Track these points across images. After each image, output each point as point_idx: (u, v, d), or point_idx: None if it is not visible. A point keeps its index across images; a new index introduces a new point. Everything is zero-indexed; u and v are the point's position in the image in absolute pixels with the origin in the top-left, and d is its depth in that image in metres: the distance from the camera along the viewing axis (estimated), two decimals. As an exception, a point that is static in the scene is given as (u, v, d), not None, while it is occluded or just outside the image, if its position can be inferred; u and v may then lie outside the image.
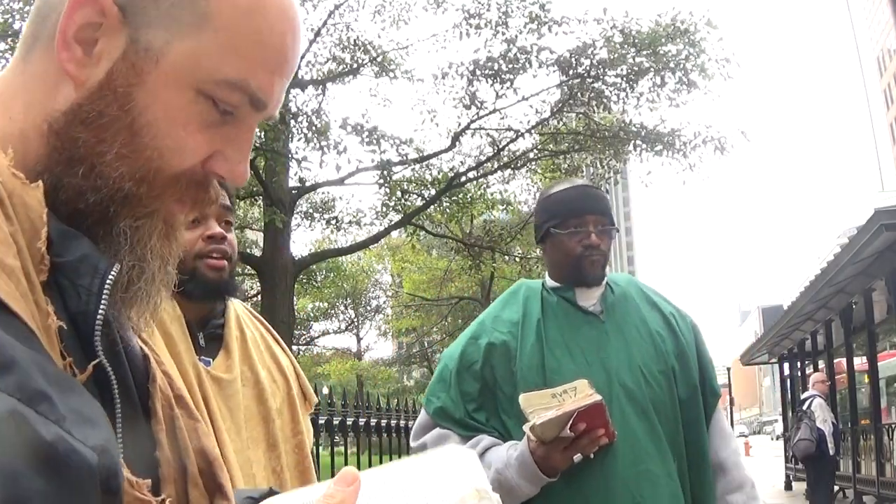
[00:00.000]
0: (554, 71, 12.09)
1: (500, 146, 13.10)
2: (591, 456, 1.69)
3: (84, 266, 0.57)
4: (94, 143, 0.60)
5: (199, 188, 0.65)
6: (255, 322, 1.73)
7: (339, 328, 28.59)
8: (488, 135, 13.30)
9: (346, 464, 0.72)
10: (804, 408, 8.96)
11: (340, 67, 12.85)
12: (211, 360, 1.54)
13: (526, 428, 1.66)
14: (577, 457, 1.68)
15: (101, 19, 0.61)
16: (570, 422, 1.62)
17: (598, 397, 1.66)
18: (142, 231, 0.62)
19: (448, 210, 13.36)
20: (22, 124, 0.61)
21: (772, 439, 50.96)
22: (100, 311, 0.57)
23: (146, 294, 0.64)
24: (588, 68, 11.73)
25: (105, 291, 0.57)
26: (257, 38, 0.63)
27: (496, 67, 11.86)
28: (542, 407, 1.67)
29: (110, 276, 0.58)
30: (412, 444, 1.92)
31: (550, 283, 1.96)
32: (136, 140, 0.61)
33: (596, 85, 11.93)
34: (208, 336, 1.58)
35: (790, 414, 13.07)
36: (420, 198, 13.00)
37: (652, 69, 11.59)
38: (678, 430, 1.81)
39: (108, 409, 0.56)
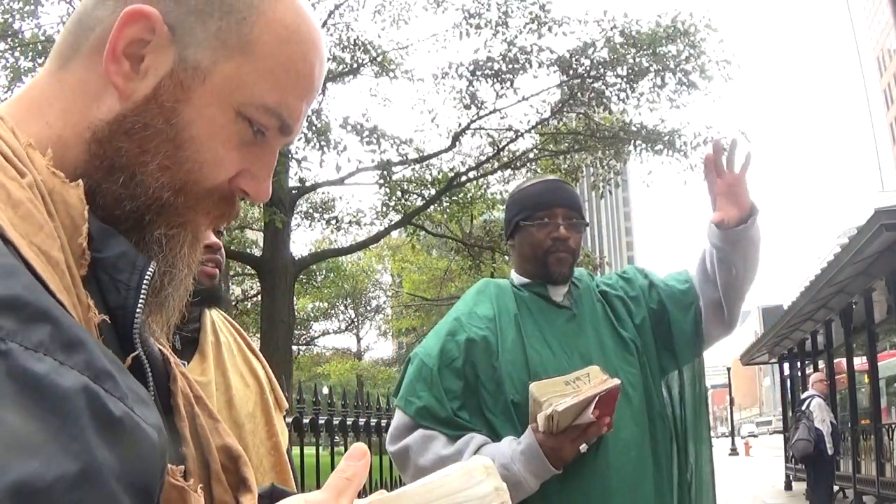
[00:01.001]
0: (554, 71, 12.11)
1: (500, 146, 13.10)
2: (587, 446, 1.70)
3: (123, 262, 0.60)
4: (137, 153, 0.63)
5: (226, 203, 0.68)
6: (229, 328, 1.75)
7: (339, 328, 28.61)
8: (488, 135, 13.31)
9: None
10: (803, 408, 8.97)
11: (340, 67, 12.85)
12: (186, 363, 1.56)
13: (541, 417, 1.63)
14: (583, 447, 1.66)
15: (151, 37, 0.63)
16: (592, 406, 1.61)
17: (616, 381, 1.66)
18: (175, 240, 0.65)
19: (448, 210, 13.36)
20: (60, 131, 0.63)
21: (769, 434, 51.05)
22: (139, 306, 0.59)
23: (172, 300, 0.67)
24: (588, 68, 11.73)
25: (144, 287, 0.60)
26: (292, 67, 0.67)
27: (496, 67, 11.87)
28: (556, 395, 1.64)
29: (148, 273, 0.60)
30: (390, 448, 1.82)
31: (519, 279, 1.94)
32: (179, 153, 0.64)
33: (596, 85, 11.93)
34: (184, 339, 1.60)
35: (790, 414, 13.07)
36: (420, 198, 13.01)
37: (652, 70, 11.60)
38: (656, 409, 1.83)
39: None
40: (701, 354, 1.96)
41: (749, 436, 45.28)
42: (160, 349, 0.71)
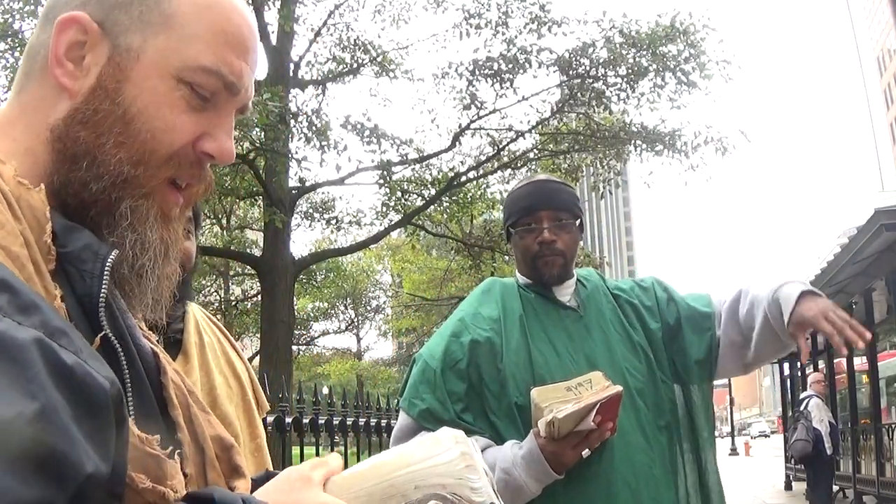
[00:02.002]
0: (554, 71, 12.10)
1: (501, 146, 13.09)
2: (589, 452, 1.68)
3: (86, 253, 0.65)
4: (93, 137, 0.69)
5: (193, 167, 0.73)
6: (212, 328, 1.74)
7: (339, 328, 28.57)
8: (488, 135, 13.30)
9: (346, 465, 0.75)
10: (801, 408, 8.96)
11: (340, 67, 12.85)
12: None
13: (542, 423, 1.62)
14: (585, 452, 1.65)
15: (85, 37, 0.71)
16: (593, 413, 1.60)
17: (618, 388, 1.64)
18: (140, 210, 0.70)
19: (448, 210, 13.35)
20: (27, 143, 0.70)
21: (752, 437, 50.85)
22: (102, 290, 0.65)
23: (151, 271, 0.71)
24: (588, 68, 11.73)
25: (105, 273, 0.65)
26: (218, 28, 0.73)
27: (496, 67, 11.86)
28: (557, 401, 1.63)
29: (110, 259, 0.66)
30: None
31: (522, 279, 1.93)
32: (130, 127, 0.69)
33: (596, 85, 11.93)
34: (167, 340, 1.59)
35: (790, 414, 13.07)
36: (420, 198, 13.00)
37: (652, 70, 11.60)
38: (664, 414, 1.82)
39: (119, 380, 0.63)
40: (710, 380, 1.93)
41: (760, 435, 44.91)
42: (151, 347, 0.76)
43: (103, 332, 0.64)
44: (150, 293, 0.72)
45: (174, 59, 0.71)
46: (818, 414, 8.75)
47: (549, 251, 1.84)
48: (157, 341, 0.83)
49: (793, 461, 12.08)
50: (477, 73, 12.02)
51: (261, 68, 11.16)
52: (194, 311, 1.69)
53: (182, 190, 0.74)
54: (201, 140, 0.73)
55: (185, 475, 0.69)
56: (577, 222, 1.90)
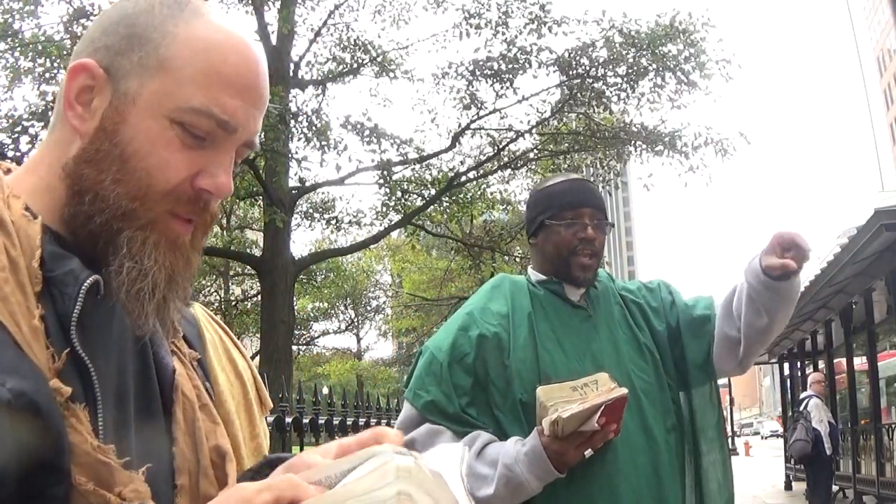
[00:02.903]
0: (554, 71, 12.09)
1: (501, 146, 13.09)
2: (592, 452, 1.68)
3: (69, 277, 0.72)
4: (95, 174, 0.75)
5: (192, 203, 0.78)
6: (214, 326, 1.75)
7: (339, 328, 28.57)
8: (488, 135, 13.30)
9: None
10: (801, 408, 8.96)
11: (340, 67, 12.85)
12: None
13: (546, 422, 1.61)
14: (588, 452, 1.65)
15: (93, 82, 0.77)
16: (598, 415, 1.59)
17: (623, 391, 1.64)
18: (138, 240, 0.76)
19: (448, 210, 13.34)
20: (48, 179, 0.78)
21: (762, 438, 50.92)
22: (76, 310, 0.71)
23: (151, 296, 0.76)
24: (588, 68, 11.73)
25: (80, 295, 0.71)
26: (212, 70, 0.77)
27: (496, 67, 11.86)
28: (562, 400, 1.63)
29: (86, 284, 0.72)
30: None
31: (536, 276, 1.93)
32: (127, 165, 0.75)
33: (596, 85, 11.92)
34: None
35: (790, 414, 13.07)
36: (420, 198, 12.99)
37: (652, 69, 11.59)
38: (669, 415, 1.82)
39: (89, 394, 0.70)
40: (711, 382, 1.92)
41: (772, 435, 44.93)
42: (174, 365, 0.84)
43: (69, 349, 0.70)
44: (153, 314, 0.76)
45: (167, 102, 0.76)
46: (818, 414, 8.76)
47: (588, 248, 1.85)
48: (194, 358, 0.92)
49: (793, 461, 12.09)
50: (477, 73, 12.01)
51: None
52: (196, 309, 1.69)
53: (190, 220, 0.79)
54: (198, 177, 0.77)
55: (174, 486, 0.77)
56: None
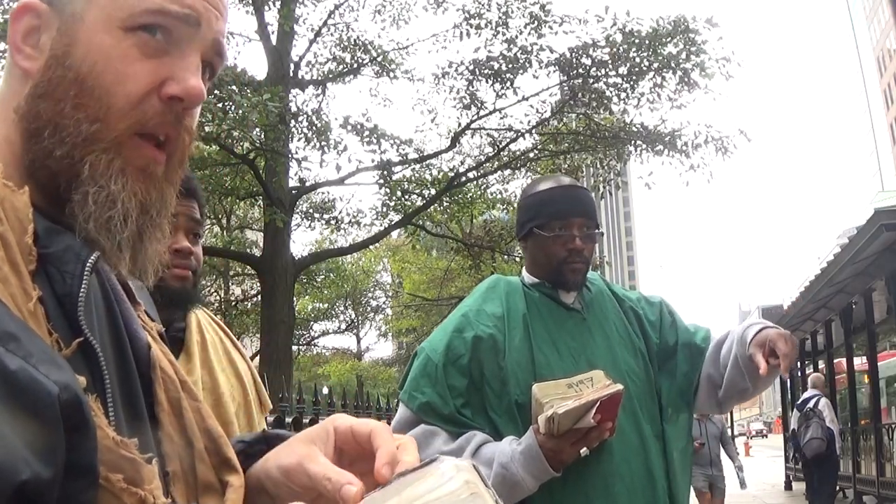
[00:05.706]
0: (554, 71, 12.09)
1: (501, 146, 13.09)
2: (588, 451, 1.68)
3: (68, 254, 0.66)
4: (52, 105, 0.69)
5: (163, 115, 0.71)
6: (215, 327, 1.76)
7: (339, 328, 28.57)
8: (488, 135, 13.30)
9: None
10: (812, 407, 8.88)
11: (340, 67, 12.85)
12: None
13: (542, 419, 1.62)
14: (584, 450, 1.65)
15: (38, 20, 0.71)
16: (593, 411, 1.60)
17: (619, 386, 1.64)
18: (102, 162, 0.69)
19: (448, 210, 13.35)
20: (3, 132, 0.70)
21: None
22: (82, 291, 0.65)
23: (123, 225, 0.69)
24: (588, 68, 11.72)
25: (86, 274, 0.65)
26: None
27: (496, 67, 11.85)
28: (558, 397, 1.63)
29: (90, 260, 0.66)
30: None
31: (530, 278, 1.93)
32: (84, 86, 0.69)
33: (597, 85, 11.92)
34: (169, 339, 1.59)
35: (790, 414, 13.07)
36: (420, 198, 12.98)
37: (652, 69, 11.59)
38: (658, 423, 1.84)
39: (98, 384, 0.63)
40: (686, 413, 1.93)
41: (757, 435, 45.29)
42: (148, 341, 0.75)
43: (81, 336, 0.64)
44: (126, 249, 0.70)
45: (117, 12, 0.70)
46: (829, 413, 8.73)
47: (578, 259, 1.85)
48: (158, 332, 0.80)
49: (793, 461, 12.08)
50: (477, 72, 12.01)
51: (261, 68, 11.13)
52: (196, 311, 1.70)
53: (163, 146, 0.72)
54: (165, 85, 0.71)
55: (165, 474, 0.69)
56: None
